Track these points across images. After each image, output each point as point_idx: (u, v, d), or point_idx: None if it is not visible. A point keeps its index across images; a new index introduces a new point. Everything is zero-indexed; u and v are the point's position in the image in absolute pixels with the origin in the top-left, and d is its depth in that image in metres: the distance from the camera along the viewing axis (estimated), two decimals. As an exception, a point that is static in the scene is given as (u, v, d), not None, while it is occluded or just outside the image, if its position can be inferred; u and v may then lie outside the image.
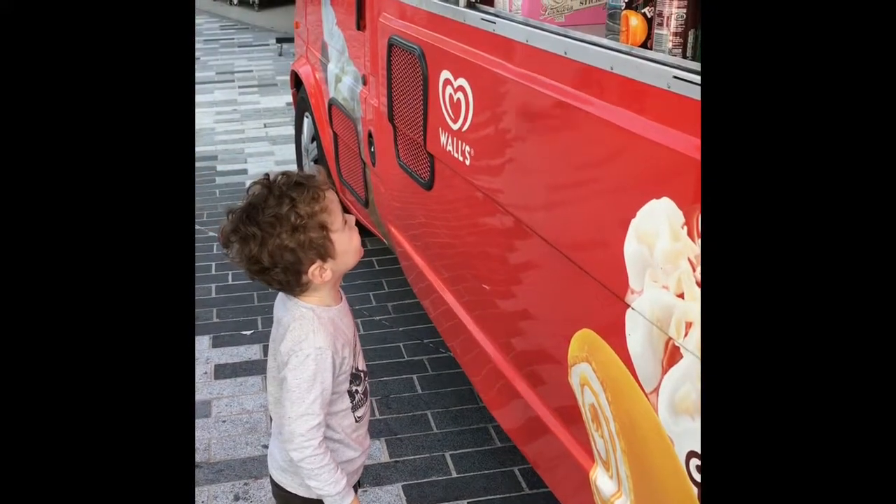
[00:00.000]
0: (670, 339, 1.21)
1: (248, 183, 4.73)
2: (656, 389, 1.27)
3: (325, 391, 1.40)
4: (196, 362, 2.87)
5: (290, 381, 1.39)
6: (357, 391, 1.51)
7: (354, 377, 1.50)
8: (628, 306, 1.31)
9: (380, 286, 3.43)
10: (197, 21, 10.18)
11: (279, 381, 1.44)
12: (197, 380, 2.76)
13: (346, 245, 1.42)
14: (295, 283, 1.41)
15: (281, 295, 1.49)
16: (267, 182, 1.42)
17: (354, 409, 1.52)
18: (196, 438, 2.45)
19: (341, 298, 1.52)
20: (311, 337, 1.40)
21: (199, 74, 7.42)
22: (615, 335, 1.36)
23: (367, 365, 1.59)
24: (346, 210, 1.55)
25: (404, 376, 2.79)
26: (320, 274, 1.40)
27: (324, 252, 1.39)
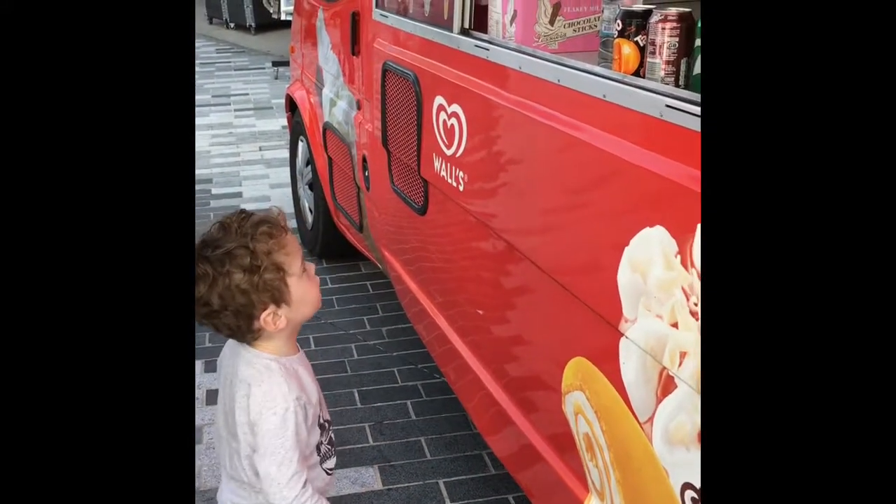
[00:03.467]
0: (664, 368, 1.20)
1: (242, 206, 4.74)
2: (651, 419, 1.26)
3: (303, 445, 1.33)
4: (188, 388, 2.84)
5: (270, 442, 1.29)
6: (322, 442, 1.44)
7: (321, 427, 1.43)
8: (622, 335, 1.30)
9: (374, 310, 3.41)
10: (193, 44, 10.23)
11: (238, 436, 1.35)
12: (188, 405, 2.73)
13: (303, 294, 1.33)
14: (246, 329, 1.31)
15: (231, 345, 1.39)
16: (224, 219, 1.33)
17: (322, 460, 1.44)
18: (187, 465, 2.42)
19: (298, 349, 1.43)
20: (286, 389, 1.31)
21: (197, 97, 7.45)
22: (609, 364, 1.35)
23: (330, 414, 1.51)
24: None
25: (398, 402, 2.77)
26: (273, 321, 1.31)
27: (278, 296, 1.29)
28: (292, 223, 4.22)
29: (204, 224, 4.46)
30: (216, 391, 2.78)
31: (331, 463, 1.47)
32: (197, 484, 2.35)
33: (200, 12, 11.75)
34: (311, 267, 1.39)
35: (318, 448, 1.43)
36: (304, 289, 1.34)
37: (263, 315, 1.30)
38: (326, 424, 1.46)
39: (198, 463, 2.44)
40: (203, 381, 2.88)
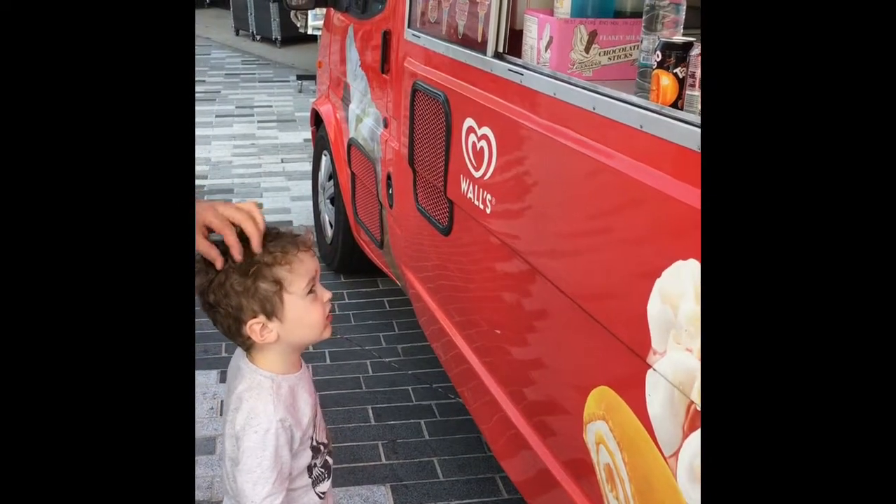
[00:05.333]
0: (692, 402, 1.19)
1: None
2: (676, 454, 1.25)
3: (284, 466, 1.31)
4: (203, 397, 2.84)
5: (248, 460, 1.28)
6: (315, 465, 1.41)
7: (314, 450, 1.40)
8: (649, 367, 1.29)
9: (390, 327, 3.41)
10: (219, 55, 10.33)
11: (226, 447, 1.34)
12: (203, 416, 2.73)
13: (301, 315, 1.31)
14: (236, 333, 1.32)
15: (237, 355, 1.40)
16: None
17: (315, 483, 1.41)
18: (199, 476, 2.42)
19: (301, 366, 1.42)
20: (270, 409, 1.29)
21: (219, 108, 7.51)
22: (634, 395, 1.34)
23: (329, 437, 1.49)
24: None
25: (412, 421, 2.76)
26: (260, 331, 1.29)
27: (270, 308, 1.28)
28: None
29: (225, 234, 4.34)
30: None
31: (324, 486, 1.45)
32: (209, 495, 2.35)
33: (227, 24, 11.87)
34: (325, 294, 1.36)
35: (309, 470, 1.40)
36: (304, 311, 1.31)
37: (251, 322, 1.29)
38: (321, 447, 1.44)
39: (210, 474, 2.43)
40: (219, 391, 2.88)
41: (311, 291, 1.32)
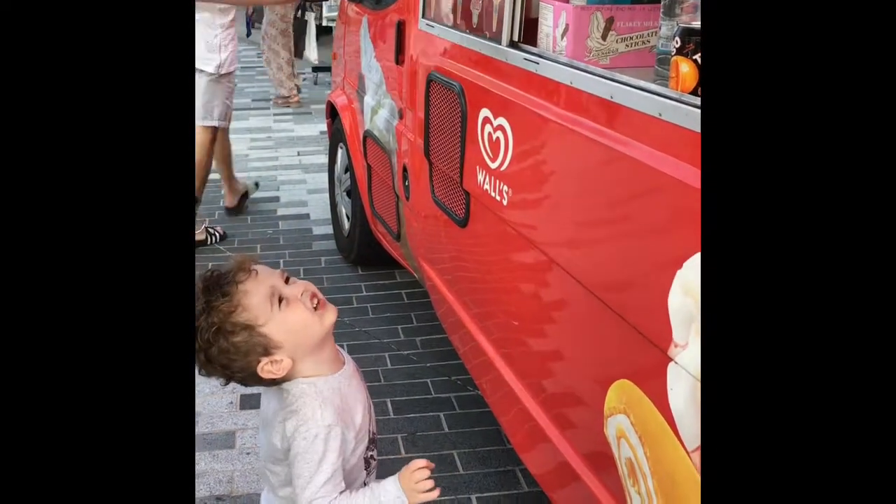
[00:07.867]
0: (716, 396, 1.17)
1: (279, 211, 4.74)
2: (699, 448, 1.22)
3: (336, 470, 1.31)
4: (222, 392, 2.85)
5: (298, 465, 1.30)
6: (372, 457, 1.43)
7: (371, 441, 1.42)
8: (671, 360, 1.27)
9: (408, 319, 3.40)
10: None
11: (278, 458, 1.37)
12: (222, 410, 2.74)
13: (288, 328, 1.27)
14: (261, 382, 1.33)
15: None
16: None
17: (368, 475, 1.43)
18: (218, 471, 2.42)
19: (343, 361, 1.40)
20: (318, 414, 1.30)
21: (235, 101, 7.51)
22: (656, 389, 1.32)
23: (377, 426, 1.49)
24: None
25: (431, 414, 2.75)
26: (275, 368, 1.29)
27: (260, 349, 1.26)
28: (328, 229, 4.23)
29: (240, 228, 4.41)
30: (251, 396, 2.80)
31: (373, 476, 1.47)
32: (229, 489, 2.35)
33: (241, 17, 11.87)
34: (294, 291, 1.31)
35: (366, 462, 1.42)
36: (286, 323, 1.28)
37: (261, 367, 1.29)
38: (376, 439, 1.45)
39: (230, 468, 2.44)
40: (237, 385, 2.87)
41: (280, 301, 1.28)
